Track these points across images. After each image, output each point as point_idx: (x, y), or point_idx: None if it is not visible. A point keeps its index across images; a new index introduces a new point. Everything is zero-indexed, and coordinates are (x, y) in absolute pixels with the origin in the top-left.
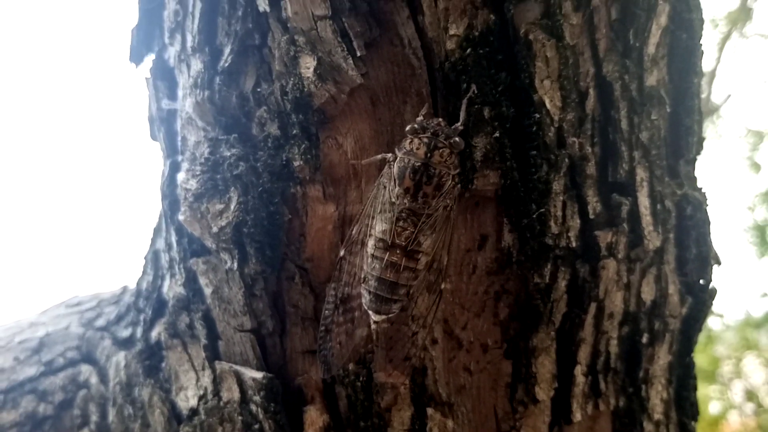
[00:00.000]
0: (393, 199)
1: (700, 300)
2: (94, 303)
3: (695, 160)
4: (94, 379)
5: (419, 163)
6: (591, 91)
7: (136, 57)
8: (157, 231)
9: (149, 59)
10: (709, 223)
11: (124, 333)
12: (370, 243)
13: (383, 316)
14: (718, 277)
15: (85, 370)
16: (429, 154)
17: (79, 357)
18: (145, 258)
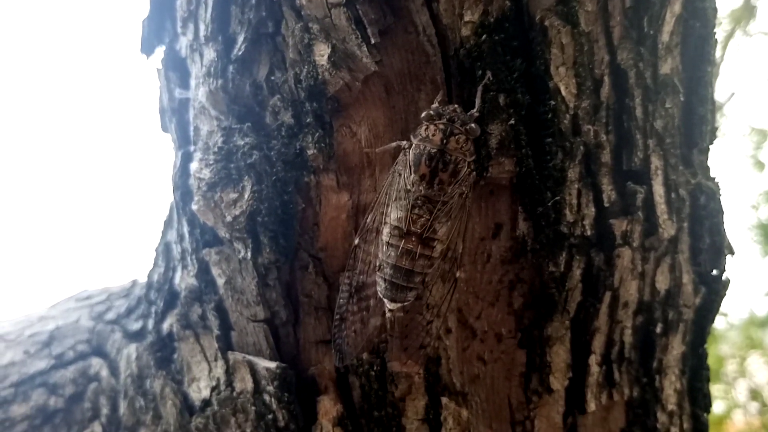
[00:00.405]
0: (408, 187)
1: (714, 290)
2: (103, 297)
3: (708, 149)
4: (104, 372)
5: (435, 150)
6: (606, 79)
7: (148, 48)
8: (167, 223)
9: (160, 51)
10: (722, 213)
11: (135, 326)
12: (386, 231)
13: (398, 304)
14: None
15: (96, 363)
16: (445, 141)
17: (90, 350)
18: (156, 250)
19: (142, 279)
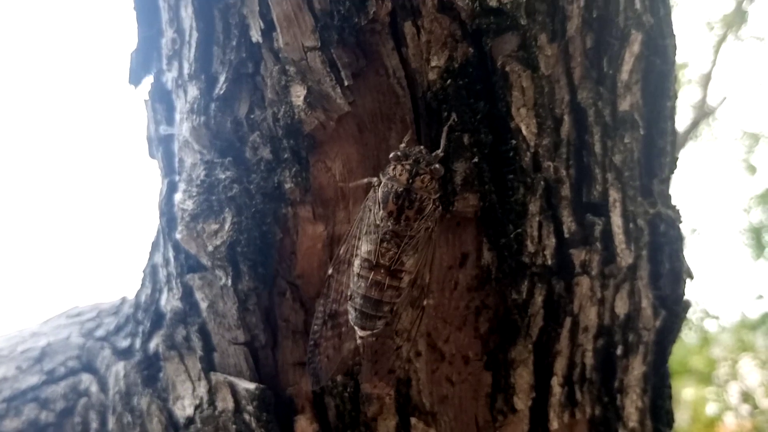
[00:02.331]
0: (378, 222)
1: (674, 313)
2: (94, 314)
3: (669, 179)
4: (94, 388)
5: (402, 189)
6: (566, 117)
7: (135, 79)
8: (155, 246)
9: (148, 80)
10: (682, 240)
11: (123, 343)
12: (356, 262)
13: (368, 332)
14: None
15: (86, 379)
16: (411, 180)
17: (80, 366)
18: (143, 272)
19: (132, 296)
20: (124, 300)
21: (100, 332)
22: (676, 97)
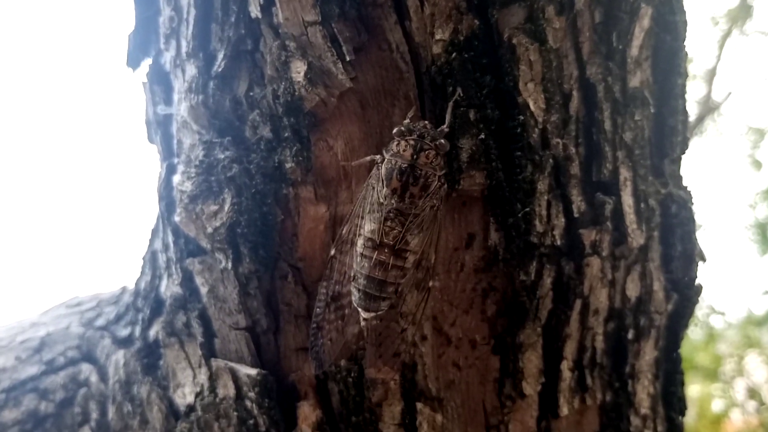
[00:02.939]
0: (381, 200)
1: (686, 296)
2: (93, 303)
3: (680, 159)
4: (94, 378)
5: (406, 165)
6: (575, 93)
7: (133, 62)
8: (154, 232)
9: (146, 63)
10: (694, 221)
11: (124, 332)
12: (360, 242)
13: (372, 314)
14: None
15: (86, 369)
16: (415, 156)
17: (80, 356)
18: (143, 258)
19: (132, 286)
20: (124, 289)
21: (100, 322)
22: (687, 75)
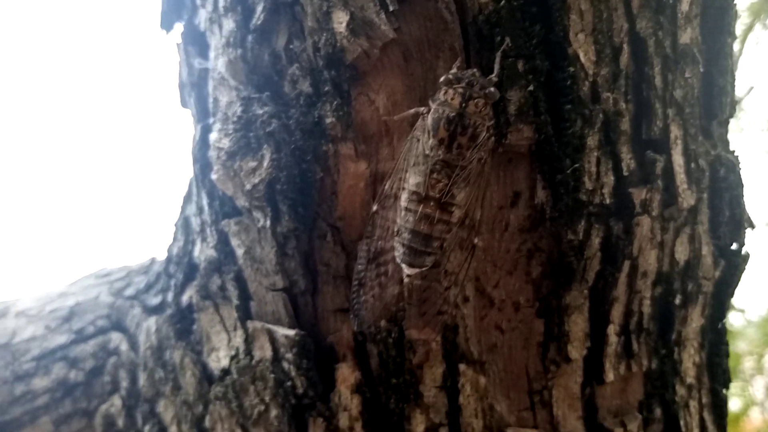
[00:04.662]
0: (427, 152)
1: (733, 264)
2: (123, 273)
3: (728, 122)
4: (124, 347)
5: (454, 114)
6: (625, 47)
7: (167, 23)
8: (186, 198)
9: (178, 27)
10: (742, 186)
11: (154, 301)
12: (404, 196)
13: (416, 270)
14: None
15: (115, 338)
16: (464, 104)
17: (109, 325)
18: (175, 225)
19: (160, 258)
20: (153, 260)
21: (129, 291)
22: (735, 36)
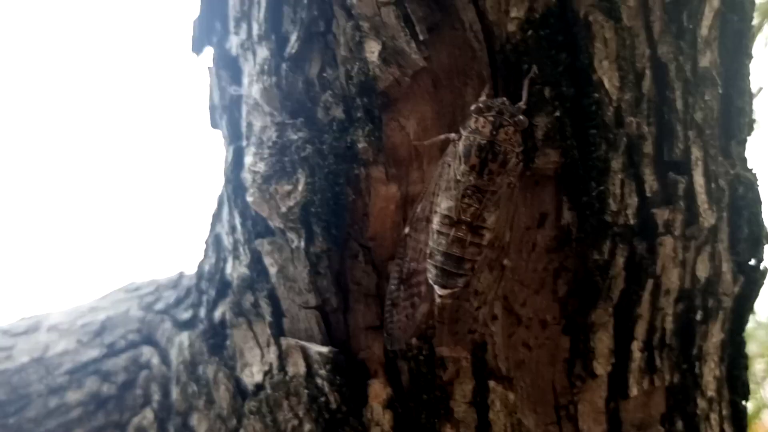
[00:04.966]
0: (459, 177)
1: (752, 279)
2: (152, 288)
3: (746, 140)
4: (155, 360)
5: (485, 141)
6: (647, 72)
7: (198, 47)
8: (216, 216)
9: (208, 50)
10: (760, 203)
11: (184, 315)
12: (436, 220)
13: (448, 290)
14: None
15: (147, 352)
16: (494, 132)
17: (140, 339)
18: (206, 242)
19: (188, 272)
20: (182, 274)
21: (159, 305)
22: (752, 56)
